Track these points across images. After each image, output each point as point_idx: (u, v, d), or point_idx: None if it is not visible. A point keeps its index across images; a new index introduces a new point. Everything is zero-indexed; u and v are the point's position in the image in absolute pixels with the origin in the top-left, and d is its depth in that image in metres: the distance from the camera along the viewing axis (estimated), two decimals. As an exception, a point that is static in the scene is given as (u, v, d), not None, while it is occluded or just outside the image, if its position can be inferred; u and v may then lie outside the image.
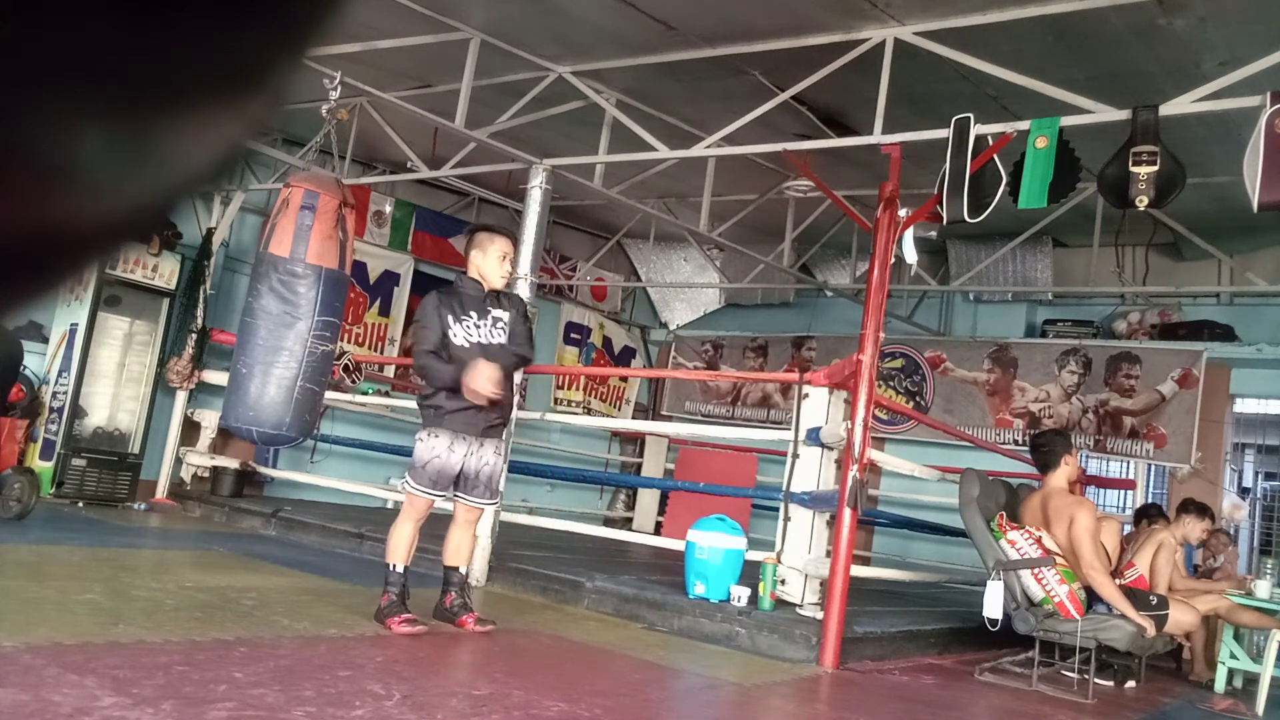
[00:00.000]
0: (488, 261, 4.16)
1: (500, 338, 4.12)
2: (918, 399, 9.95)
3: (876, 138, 5.18)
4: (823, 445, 5.14)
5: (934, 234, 7.05)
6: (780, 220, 8.69)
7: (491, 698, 3.04)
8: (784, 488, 5.25)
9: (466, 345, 4.03)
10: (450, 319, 4.05)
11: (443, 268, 10.02)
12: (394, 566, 4.04)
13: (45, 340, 7.31)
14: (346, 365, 8.00)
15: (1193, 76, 5.05)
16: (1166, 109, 4.52)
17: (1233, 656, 5.53)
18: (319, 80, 5.46)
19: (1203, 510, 6.21)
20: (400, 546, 4.05)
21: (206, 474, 7.86)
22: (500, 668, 3.64)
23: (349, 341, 8.79)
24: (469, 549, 4.26)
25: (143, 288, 7.43)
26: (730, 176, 7.90)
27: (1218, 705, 5.14)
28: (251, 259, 6.80)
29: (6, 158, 0.29)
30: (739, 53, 5.74)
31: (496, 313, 4.15)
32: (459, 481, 4.10)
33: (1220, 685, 5.49)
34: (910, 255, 5.31)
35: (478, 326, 4.09)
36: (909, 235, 5.14)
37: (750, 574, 4.98)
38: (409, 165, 7.81)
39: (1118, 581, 5.15)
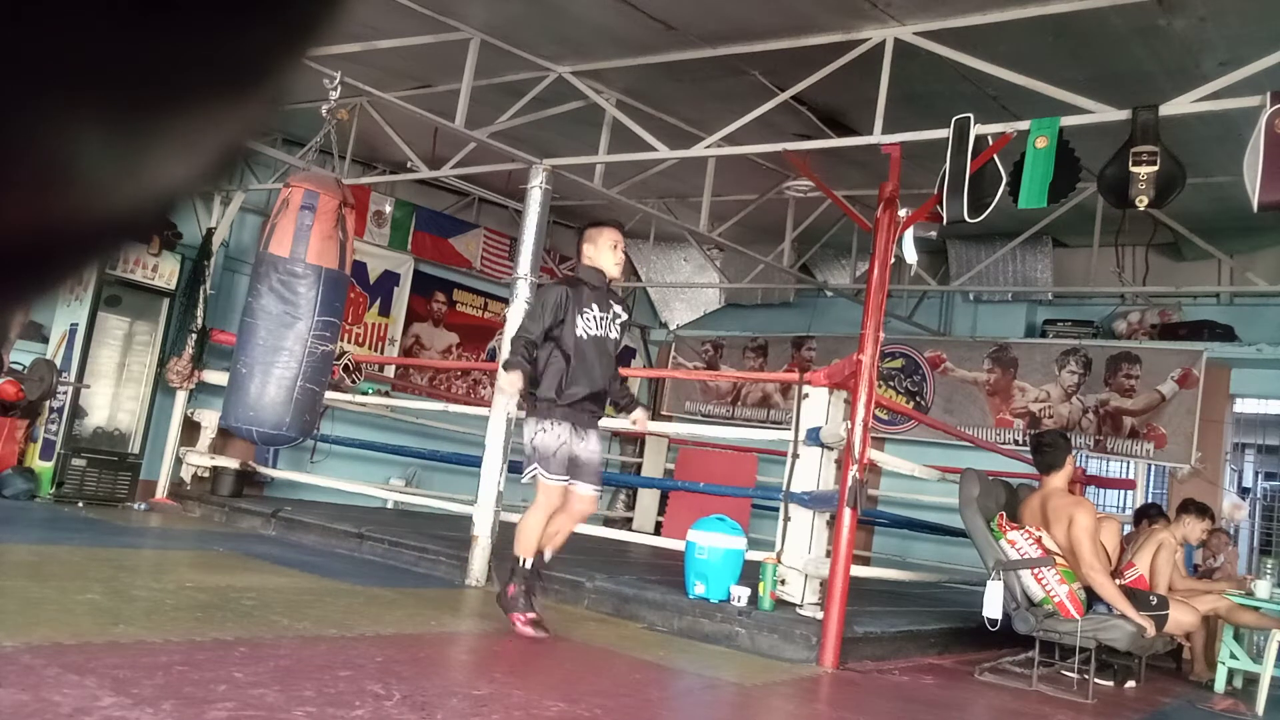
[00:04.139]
0: (600, 252, 4.27)
1: (614, 334, 4.27)
2: (918, 399, 9.95)
3: (876, 138, 5.18)
4: (823, 445, 5.14)
5: (934, 234, 7.03)
6: (780, 220, 8.69)
7: (491, 698, 3.04)
8: (784, 488, 5.25)
9: (585, 337, 4.13)
10: (574, 310, 4.14)
11: (443, 268, 10.02)
12: (523, 561, 4.08)
13: (45, 340, 7.30)
14: (346, 365, 8.00)
15: (1193, 76, 5.04)
16: (1166, 109, 4.52)
17: (1233, 656, 5.52)
18: (319, 80, 5.46)
19: (1203, 510, 6.20)
20: (530, 539, 4.08)
21: (206, 474, 7.85)
22: (500, 668, 3.64)
23: (349, 341, 8.79)
24: (564, 539, 4.27)
25: (143, 288, 7.43)
26: (730, 176, 7.89)
27: (1218, 705, 5.13)
28: (251, 259, 6.80)
29: (6, 158, 0.29)
30: (739, 53, 5.74)
31: (617, 309, 4.30)
32: (572, 469, 4.15)
33: (1220, 685, 5.49)
34: (910, 255, 5.31)
35: (598, 320, 4.19)
36: (909, 235, 5.14)
37: (750, 574, 4.98)
38: (409, 165, 7.81)
39: (1117, 582, 5.15)
